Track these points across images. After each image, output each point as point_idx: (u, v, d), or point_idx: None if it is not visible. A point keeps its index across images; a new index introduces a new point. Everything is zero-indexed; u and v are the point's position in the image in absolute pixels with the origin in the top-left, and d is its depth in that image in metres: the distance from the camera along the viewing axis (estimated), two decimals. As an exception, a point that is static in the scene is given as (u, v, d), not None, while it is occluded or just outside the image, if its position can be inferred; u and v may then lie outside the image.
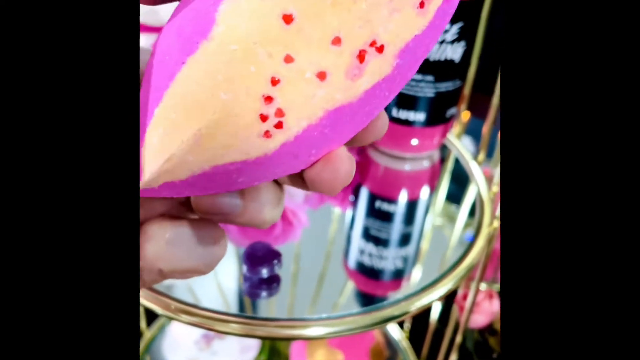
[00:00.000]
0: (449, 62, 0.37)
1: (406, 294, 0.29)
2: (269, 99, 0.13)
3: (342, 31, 0.13)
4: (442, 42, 0.36)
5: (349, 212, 0.38)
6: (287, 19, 0.13)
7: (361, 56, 0.14)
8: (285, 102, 0.13)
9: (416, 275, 0.34)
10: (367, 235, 0.36)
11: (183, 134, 0.13)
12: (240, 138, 0.14)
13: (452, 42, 0.36)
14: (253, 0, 0.13)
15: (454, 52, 0.37)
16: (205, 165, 0.14)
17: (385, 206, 0.39)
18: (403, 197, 0.40)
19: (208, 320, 0.26)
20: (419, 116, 0.39)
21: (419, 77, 0.37)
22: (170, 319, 0.27)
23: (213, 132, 0.13)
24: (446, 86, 0.38)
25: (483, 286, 0.50)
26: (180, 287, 0.33)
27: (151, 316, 0.52)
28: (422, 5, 0.14)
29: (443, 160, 0.44)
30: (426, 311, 0.50)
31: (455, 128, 0.45)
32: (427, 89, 0.38)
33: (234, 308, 0.31)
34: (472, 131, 0.52)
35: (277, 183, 0.17)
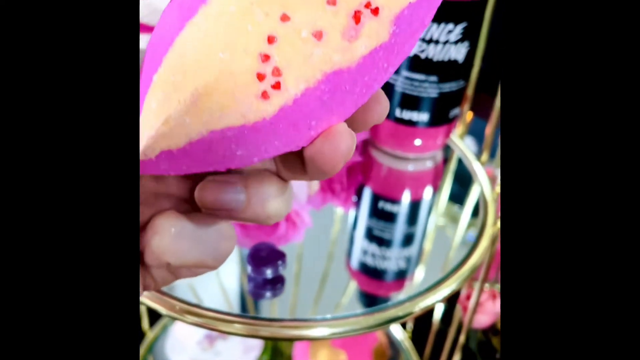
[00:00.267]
0: (452, 63, 0.37)
1: (410, 294, 0.29)
2: (266, 57, 0.14)
3: None
4: (445, 42, 0.36)
5: (351, 213, 0.38)
6: None
7: (357, 17, 0.14)
8: (282, 60, 0.14)
9: (419, 276, 0.34)
10: (370, 236, 0.36)
11: (180, 94, 0.14)
12: (237, 98, 0.14)
13: (456, 42, 0.36)
14: None
15: (458, 53, 0.37)
16: (202, 130, 0.14)
17: (388, 206, 0.39)
18: (406, 198, 0.40)
19: (211, 321, 0.26)
20: (423, 116, 0.39)
21: (423, 77, 0.37)
22: (174, 319, 0.27)
23: (210, 91, 0.14)
24: (450, 86, 0.38)
25: (486, 286, 0.50)
26: (182, 288, 0.33)
27: (154, 316, 0.52)
28: None
29: (446, 160, 0.44)
30: (429, 311, 0.50)
31: (459, 128, 0.45)
32: (431, 90, 0.38)
33: (236, 308, 0.31)
34: (475, 131, 0.52)
35: (280, 178, 0.16)
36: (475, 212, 0.37)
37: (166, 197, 0.17)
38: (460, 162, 0.43)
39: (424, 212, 0.39)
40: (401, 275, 0.34)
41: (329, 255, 0.35)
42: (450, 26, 0.35)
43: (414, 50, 0.36)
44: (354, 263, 0.35)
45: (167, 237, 0.15)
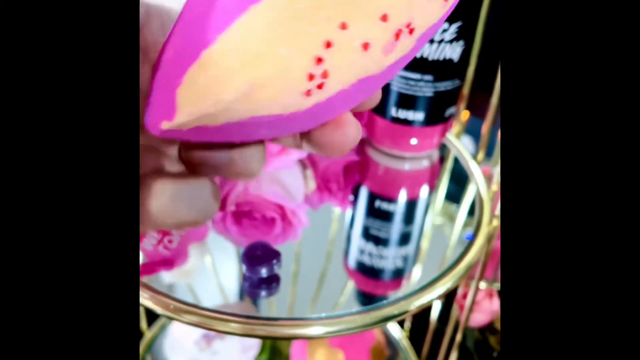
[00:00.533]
0: (447, 62, 0.37)
1: (406, 293, 0.29)
2: (319, 60, 0.14)
3: (391, 10, 0.15)
4: (440, 41, 0.36)
5: (348, 212, 0.38)
6: None
7: (397, 35, 0.15)
8: (332, 65, 0.14)
9: (416, 275, 0.34)
10: (367, 235, 0.36)
11: (236, 81, 0.14)
12: (286, 94, 0.14)
13: (451, 41, 0.36)
14: None
15: (453, 52, 0.37)
16: (245, 115, 0.14)
17: (385, 205, 0.39)
18: (403, 197, 0.40)
19: (208, 320, 0.26)
20: (418, 115, 0.39)
21: (418, 76, 0.37)
22: (171, 319, 0.27)
23: (266, 84, 0.14)
24: (445, 85, 0.38)
25: (483, 285, 0.50)
26: (181, 288, 0.33)
27: (152, 316, 0.52)
28: None
29: (442, 159, 0.44)
30: (426, 310, 0.50)
31: (455, 128, 0.45)
32: (426, 89, 0.38)
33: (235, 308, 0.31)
34: (473, 131, 0.52)
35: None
36: (472, 211, 0.37)
37: (152, 154, 0.18)
38: (456, 161, 0.43)
39: (420, 211, 0.39)
40: (398, 274, 0.34)
41: (326, 254, 0.35)
42: (445, 25, 0.35)
43: (409, 50, 0.36)
44: (352, 262, 0.35)
45: (165, 199, 0.16)
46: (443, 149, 0.45)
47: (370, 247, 0.35)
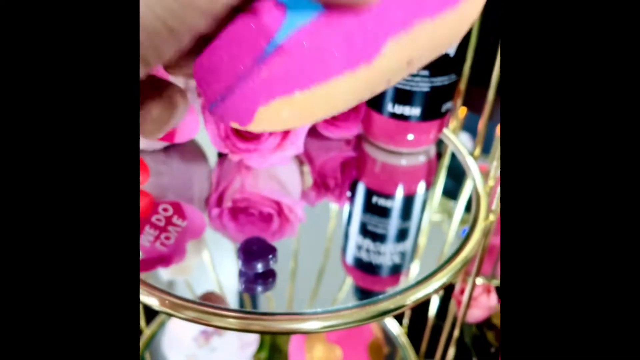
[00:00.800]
0: (444, 56, 0.37)
1: (402, 288, 0.29)
2: None
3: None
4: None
5: (346, 208, 0.38)
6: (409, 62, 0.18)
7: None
8: None
9: (414, 270, 0.34)
10: (365, 231, 0.36)
11: (312, 120, 0.17)
12: None
13: (447, 36, 0.36)
14: (402, 43, 0.17)
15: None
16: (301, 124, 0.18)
17: (382, 201, 0.39)
18: (400, 193, 0.40)
19: (205, 315, 0.26)
20: (415, 111, 0.39)
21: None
22: (168, 314, 0.27)
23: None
24: (441, 80, 0.38)
25: (480, 281, 0.51)
26: (179, 285, 0.33)
27: (150, 313, 0.52)
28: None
29: (440, 155, 0.44)
30: (424, 306, 0.50)
31: (452, 123, 0.45)
32: (423, 84, 0.38)
33: (233, 304, 0.31)
34: (470, 127, 0.52)
35: None
36: (469, 207, 0.37)
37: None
38: (453, 156, 0.43)
39: (417, 207, 0.39)
40: (396, 270, 0.34)
41: (324, 250, 0.35)
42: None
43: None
44: (349, 258, 0.35)
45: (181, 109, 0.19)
46: (440, 144, 0.45)
47: (367, 243, 0.35)
